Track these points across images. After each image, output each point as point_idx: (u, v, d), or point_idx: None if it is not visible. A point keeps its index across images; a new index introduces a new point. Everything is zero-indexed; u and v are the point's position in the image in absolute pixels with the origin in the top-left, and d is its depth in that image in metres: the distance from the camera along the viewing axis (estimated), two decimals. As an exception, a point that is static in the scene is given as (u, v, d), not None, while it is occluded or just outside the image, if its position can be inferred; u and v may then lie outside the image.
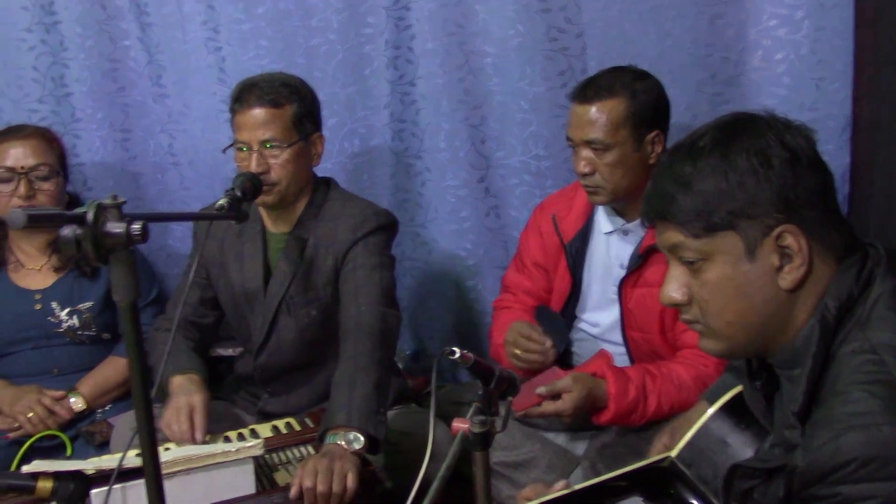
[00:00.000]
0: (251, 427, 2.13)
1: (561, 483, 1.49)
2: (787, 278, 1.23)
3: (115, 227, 1.33)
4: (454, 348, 1.64)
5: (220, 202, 1.92)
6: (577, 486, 1.48)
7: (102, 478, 1.74)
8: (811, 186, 1.23)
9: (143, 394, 1.41)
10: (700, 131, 1.29)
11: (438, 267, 2.87)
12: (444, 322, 2.91)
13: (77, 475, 1.72)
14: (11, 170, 2.41)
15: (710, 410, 1.50)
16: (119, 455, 1.91)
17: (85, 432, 2.38)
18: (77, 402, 2.43)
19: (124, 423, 2.18)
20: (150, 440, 1.42)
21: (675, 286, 1.30)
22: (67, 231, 1.35)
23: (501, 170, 2.74)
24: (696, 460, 1.46)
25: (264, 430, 2.11)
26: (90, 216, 1.32)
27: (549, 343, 2.11)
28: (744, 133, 1.25)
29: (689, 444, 1.48)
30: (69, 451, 2.36)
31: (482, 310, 2.85)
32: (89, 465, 1.78)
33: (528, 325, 2.17)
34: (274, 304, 2.22)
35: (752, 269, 1.23)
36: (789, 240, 1.22)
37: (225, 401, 2.37)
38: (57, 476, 1.70)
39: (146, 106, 2.84)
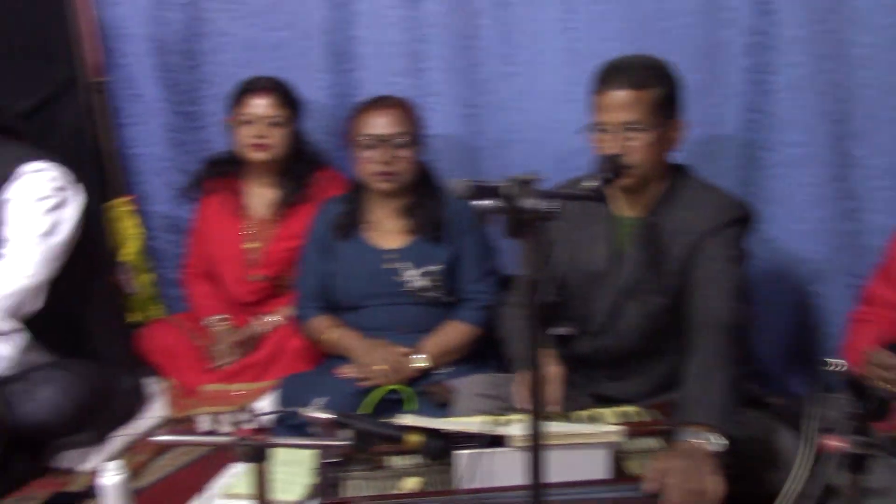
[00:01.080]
0: (595, 411, 2.13)
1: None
2: None
3: (533, 203, 1.37)
4: (836, 360, 1.54)
5: (588, 183, 1.93)
6: None
7: (463, 439, 1.82)
8: None
9: (533, 368, 1.45)
10: None
11: (781, 267, 2.72)
12: (781, 326, 2.75)
13: (440, 434, 1.80)
14: (375, 137, 2.58)
15: None
16: (476, 419, 2.01)
17: (426, 392, 2.51)
18: (421, 361, 2.57)
19: (469, 387, 2.27)
20: (535, 412, 1.46)
21: None
22: (487, 203, 1.41)
23: (864, 170, 2.55)
24: None
25: (609, 415, 2.11)
26: (511, 191, 1.36)
27: None
28: None
29: None
30: (411, 407, 2.49)
31: (825, 318, 2.67)
32: (453, 425, 1.86)
33: (888, 354, 2.00)
34: (620, 289, 2.21)
35: None
36: None
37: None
38: (423, 431, 1.79)
39: (495, 83, 2.92)
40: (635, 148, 2.12)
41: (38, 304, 2.48)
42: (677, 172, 2.25)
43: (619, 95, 2.13)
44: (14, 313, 2.43)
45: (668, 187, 2.22)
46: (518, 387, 2.03)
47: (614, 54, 2.31)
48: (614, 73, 2.16)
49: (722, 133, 2.70)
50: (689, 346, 2.02)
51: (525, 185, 1.39)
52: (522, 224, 1.38)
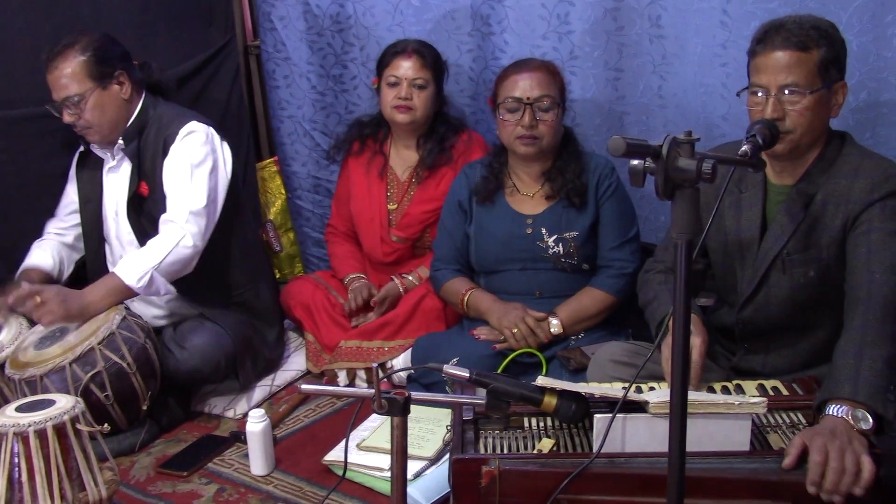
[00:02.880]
0: (736, 382, 2.07)
1: None
2: None
3: (687, 164, 1.33)
4: None
5: (742, 148, 1.86)
6: None
7: (601, 404, 1.81)
8: None
9: (682, 333, 1.42)
10: None
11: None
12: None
13: (579, 397, 1.79)
14: (518, 100, 2.57)
15: None
16: (617, 385, 2.00)
17: (560, 356, 2.51)
18: (555, 326, 2.57)
19: (604, 354, 2.25)
20: (682, 380, 1.43)
21: None
22: (637, 163, 1.38)
23: None
24: None
25: (748, 387, 2.04)
26: (664, 150, 1.33)
27: None
28: None
29: None
30: (544, 371, 2.50)
31: None
32: (591, 390, 1.85)
33: None
34: (768, 259, 2.12)
35: None
36: None
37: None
38: (561, 394, 1.78)
39: (641, 46, 2.84)
40: (791, 112, 2.02)
41: (193, 267, 2.68)
42: (835, 139, 2.13)
43: (780, 56, 2.02)
44: (173, 277, 2.63)
45: (825, 155, 2.10)
46: (665, 355, 1.99)
47: (769, 17, 2.20)
48: (775, 33, 2.05)
49: (886, 98, 2.53)
50: (844, 321, 1.93)
51: (681, 144, 1.35)
52: (676, 185, 1.35)
